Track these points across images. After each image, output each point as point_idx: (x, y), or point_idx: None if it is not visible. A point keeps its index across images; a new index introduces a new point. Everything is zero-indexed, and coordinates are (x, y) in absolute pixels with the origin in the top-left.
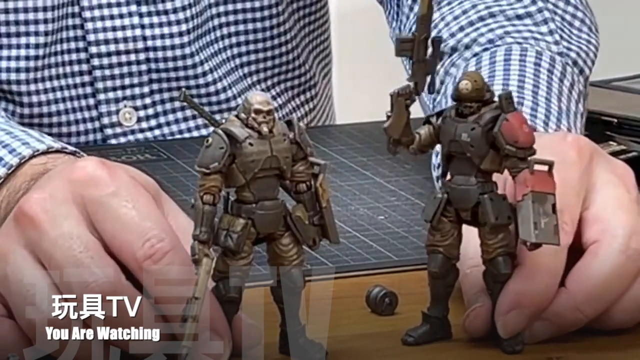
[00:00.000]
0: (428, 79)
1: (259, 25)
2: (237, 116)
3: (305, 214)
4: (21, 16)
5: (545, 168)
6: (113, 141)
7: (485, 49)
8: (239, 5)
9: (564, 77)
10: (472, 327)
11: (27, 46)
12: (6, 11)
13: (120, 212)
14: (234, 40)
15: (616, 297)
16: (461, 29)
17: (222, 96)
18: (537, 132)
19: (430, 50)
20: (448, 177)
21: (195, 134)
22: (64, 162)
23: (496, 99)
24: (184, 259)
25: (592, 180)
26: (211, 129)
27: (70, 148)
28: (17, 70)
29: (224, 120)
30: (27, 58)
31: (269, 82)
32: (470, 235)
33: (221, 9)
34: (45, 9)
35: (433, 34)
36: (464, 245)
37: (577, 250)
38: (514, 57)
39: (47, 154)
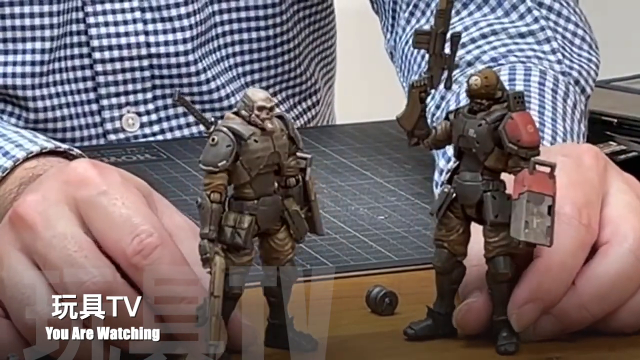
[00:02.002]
0: (445, 74)
1: (262, 33)
2: (236, 114)
3: (298, 208)
4: (27, 21)
5: (547, 170)
6: None
7: (489, 67)
8: (243, 14)
9: (567, 97)
10: (464, 321)
11: (33, 51)
12: (12, 16)
13: (109, 210)
14: (237, 48)
15: (624, 298)
16: (463, 45)
17: (225, 103)
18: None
19: (448, 45)
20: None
21: None
22: (53, 165)
23: None
24: (174, 253)
25: (605, 187)
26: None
27: (64, 146)
28: (23, 75)
29: (212, 119)
30: (33, 63)
31: (272, 90)
32: (477, 235)
33: (225, 16)
34: (50, 15)
35: None
36: (471, 244)
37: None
38: (518, 76)
39: (39, 157)
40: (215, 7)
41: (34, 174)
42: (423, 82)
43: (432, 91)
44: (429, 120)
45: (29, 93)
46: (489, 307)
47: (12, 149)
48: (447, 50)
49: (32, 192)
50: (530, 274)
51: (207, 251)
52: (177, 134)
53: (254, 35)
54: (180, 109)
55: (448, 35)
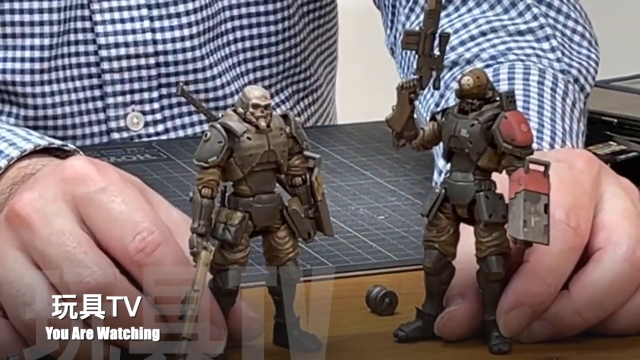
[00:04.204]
0: (434, 74)
1: (272, 28)
2: (234, 110)
3: (301, 207)
4: (26, 17)
5: (541, 168)
6: None
7: (488, 65)
8: (253, 9)
9: (566, 95)
10: (445, 329)
11: (32, 48)
12: (12, 12)
13: (110, 207)
14: (247, 44)
15: (618, 304)
16: (462, 43)
17: (230, 100)
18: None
19: (437, 45)
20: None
21: None
22: (45, 164)
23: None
24: (176, 250)
25: (599, 192)
26: None
27: (58, 142)
28: (23, 71)
29: (220, 115)
30: (32, 60)
31: (278, 86)
32: (465, 239)
33: (235, 12)
34: (50, 11)
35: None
36: (460, 246)
37: (582, 258)
38: (517, 75)
39: (32, 156)
40: (225, 2)
41: (25, 173)
42: (412, 83)
43: (422, 91)
44: (428, 118)
45: (29, 89)
46: (471, 314)
47: (6, 148)
48: (436, 50)
49: (28, 190)
50: (518, 279)
51: (194, 245)
52: (181, 133)
53: (263, 30)
54: (185, 108)
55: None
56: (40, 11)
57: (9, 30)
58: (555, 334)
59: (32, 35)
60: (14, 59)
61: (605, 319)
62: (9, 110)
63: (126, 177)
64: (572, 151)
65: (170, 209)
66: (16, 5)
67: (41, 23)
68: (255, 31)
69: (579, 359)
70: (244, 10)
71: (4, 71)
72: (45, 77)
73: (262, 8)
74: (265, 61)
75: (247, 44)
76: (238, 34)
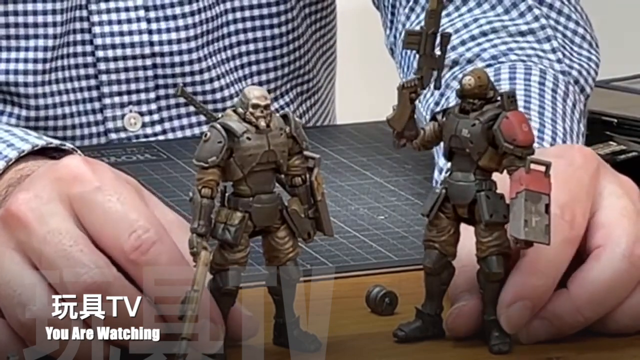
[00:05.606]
0: (435, 74)
1: (276, 31)
2: (234, 111)
3: (300, 207)
4: (30, 19)
5: (542, 168)
6: None
7: (489, 65)
8: (256, 11)
9: (567, 96)
10: (454, 326)
11: (35, 49)
12: (15, 13)
13: (105, 206)
14: (251, 47)
15: (618, 302)
16: (463, 42)
17: (229, 103)
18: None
19: (438, 45)
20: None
21: None
22: (41, 166)
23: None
24: (172, 248)
25: (598, 190)
26: None
27: (55, 142)
28: (25, 72)
29: (220, 115)
30: (35, 61)
31: (283, 89)
32: (466, 239)
33: (238, 15)
34: (54, 12)
35: None
36: (460, 245)
37: (580, 256)
38: (518, 75)
39: (28, 158)
40: (228, 5)
41: (22, 175)
42: (413, 83)
43: (423, 91)
44: (427, 117)
45: (31, 90)
46: (479, 310)
47: (4, 149)
48: (437, 50)
49: (23, 191)
50: (516, 274)
51: (194, 245)
52: (179, 134)
53: (267, 33)
54: (183, 110)
55: (438, 36)
56: (44, 13)
57: (12, 31)
58: (555, 333)
59: (36, 37)
60: (17, 60)
61: (604, 317)
62: (10, 110)
63: (121, 176)
64: (572, 147)
65: (165, 209)
66: (20, 7)
67: (44, 24)
68: (259, 34)
69: (578, 359)
70: (247, 14)
71: (7, 72)
72: (46, 77)
73: (265, 11)
74: (270, 64)
75: (251, 47)
76: (242, 37)
